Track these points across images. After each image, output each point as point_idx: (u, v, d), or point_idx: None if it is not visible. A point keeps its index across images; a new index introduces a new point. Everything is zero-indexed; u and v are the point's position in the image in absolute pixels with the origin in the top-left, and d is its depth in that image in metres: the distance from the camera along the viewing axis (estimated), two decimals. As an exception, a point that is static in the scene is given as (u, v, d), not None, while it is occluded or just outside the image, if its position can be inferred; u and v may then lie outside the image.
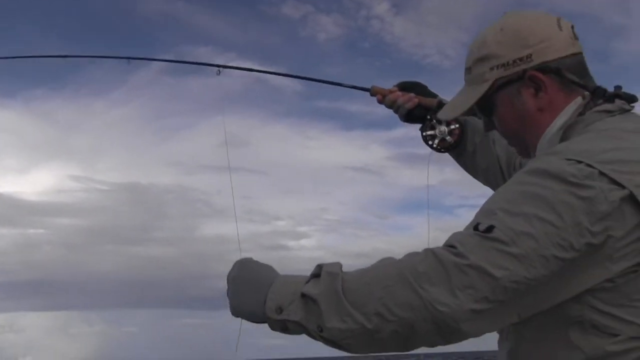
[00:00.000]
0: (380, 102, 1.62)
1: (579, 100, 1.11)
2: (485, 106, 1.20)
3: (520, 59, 1.12)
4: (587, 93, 1.11)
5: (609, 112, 1.09)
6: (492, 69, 1.15)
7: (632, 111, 1.12)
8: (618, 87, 1.12)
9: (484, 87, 1.16)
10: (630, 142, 1.02)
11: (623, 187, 0.93)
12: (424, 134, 1.60)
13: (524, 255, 0.91)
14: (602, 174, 0.93)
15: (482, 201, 1.06)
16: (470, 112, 1.24)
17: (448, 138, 1.58)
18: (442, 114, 1.32)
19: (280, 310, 0.99)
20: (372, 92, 1.64)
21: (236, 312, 1.06)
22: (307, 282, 0.99)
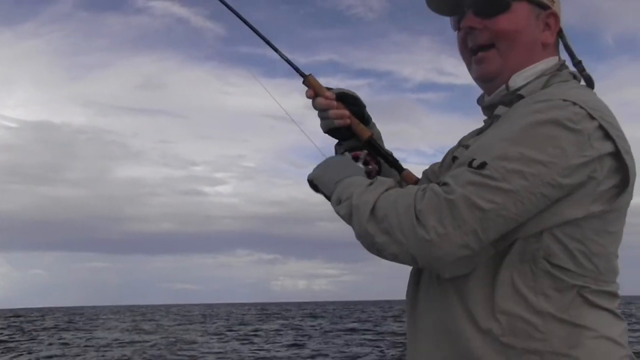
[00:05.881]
0: (309, 97, 1.35)
1: (556, 59, 1.24)
2: (500, 1, 1.19)
3: None
4: (564, 60, 1.24)
5: (575, 77, 1.23)
6: None
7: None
8: (579, 64, 1.24)
9: None
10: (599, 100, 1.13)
11: (610, 137, 1.03)
12: None
13: (513, 190, 0.98)
14: (592, 117, 1.02)
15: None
16: None
17: None
18: None
19: (339, 201, 1.17)
20: (306, 81, 1.35)
21: (312, 177, 1.26)
22: (368, 186, 1.13)
